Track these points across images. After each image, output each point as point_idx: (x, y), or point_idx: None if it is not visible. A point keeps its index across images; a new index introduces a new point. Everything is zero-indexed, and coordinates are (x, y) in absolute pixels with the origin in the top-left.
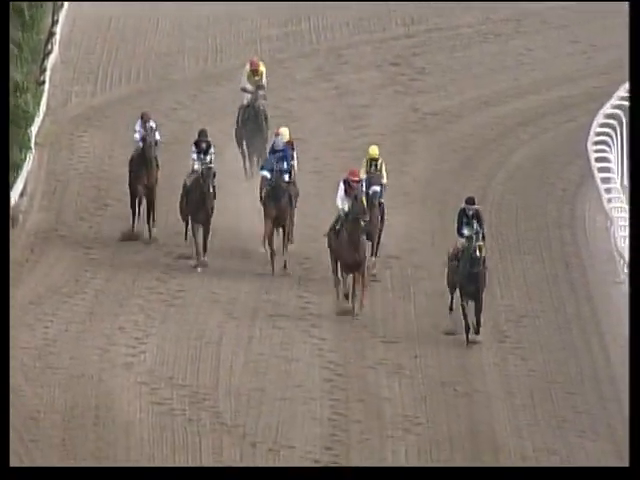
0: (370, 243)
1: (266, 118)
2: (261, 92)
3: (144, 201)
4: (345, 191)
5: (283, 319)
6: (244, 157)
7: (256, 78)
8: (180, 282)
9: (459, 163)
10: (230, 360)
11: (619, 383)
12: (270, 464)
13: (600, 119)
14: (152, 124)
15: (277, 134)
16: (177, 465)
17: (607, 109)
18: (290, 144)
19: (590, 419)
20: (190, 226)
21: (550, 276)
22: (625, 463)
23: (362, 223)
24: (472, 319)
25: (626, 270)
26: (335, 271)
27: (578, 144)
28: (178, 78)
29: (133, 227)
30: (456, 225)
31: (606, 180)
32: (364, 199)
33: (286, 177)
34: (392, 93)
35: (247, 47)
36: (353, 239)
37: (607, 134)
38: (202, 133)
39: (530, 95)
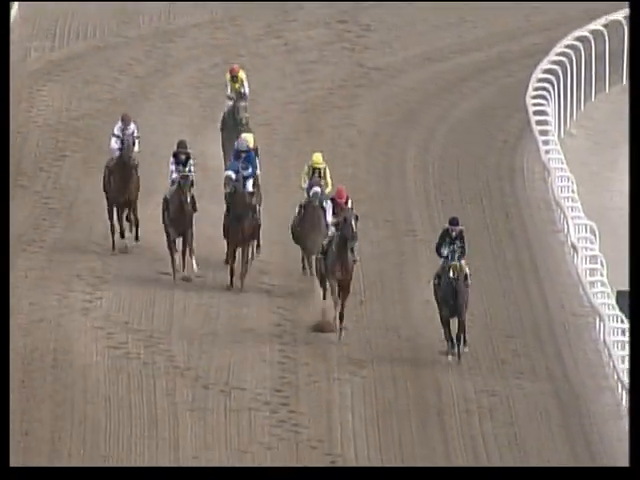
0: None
1: (247, 125)
2: (242, 103)
3: (123, 213)
4: (333, 211)
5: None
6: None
7: (236, 85)
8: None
9: (403, 116)
10: (184, 304)
11: (556, 327)
12: (222, 406)
13: (538, 74)
14: (132, 127)
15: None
16: (132, 404)
17: (545, 65)
18: (254, 150)
19: (529, 361)
20: (171, 239)
21: (490, 225)
22: (561, 403)
23: (350, 245)
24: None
25: (563, 219)
26: (329, 288)
27: (517, 98)
28: (133, 35)
29: (113, 244)
30: (436, 243)
31: (544, 132)
32: (353, 222)
33: (249, 185)
34: (339, 49)
35: (199, 5)
36: (341, 260)
37: (544, 89)
38: (181, 144)
39: (472, 51)
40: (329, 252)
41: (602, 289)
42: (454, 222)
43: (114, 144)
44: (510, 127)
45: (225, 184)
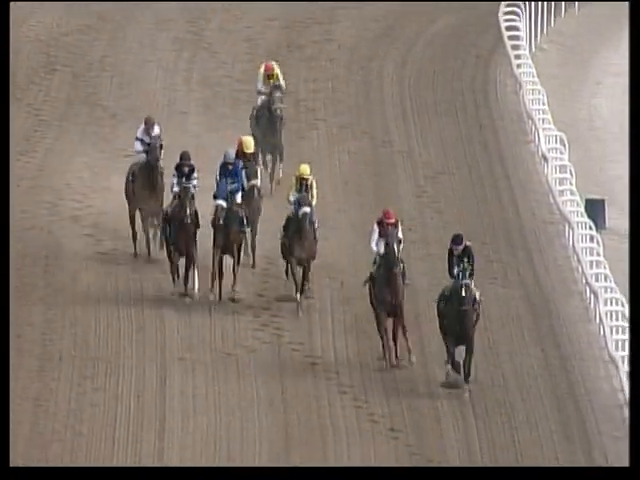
0: (301, 270)
1: (281, 119)
2: (277, 94)
3: (147, 220)
4: (379, 233)
5: None
6: (263, 161)
7: (271, 81)
8: (124, 141)
9: (382, 32)
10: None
11: (528, 234)
12: (206, 310)
13: None
14: (157, 130)
15: (240, 143)
16: (120, 308)
17: None
18: (253, 155)
19: (501, 267)
20: (172, 255)
21: (465, 136)
22: (532, 307)
23: (396, 270)
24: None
25: (534, 130)
26: (379, 322)
27: (490, 15)
28: None
29: (136, 251)
30: (447, 267)
31: (516, 47)
32: (395, 246)
33: (238, 198)
34: None
35: None
36: (389, 285)
37: (517, 5)
38: (184, 156)
39: None
40: (377, 280)
41: (571, 197)
42: (457, 241)
43: (138, 147)
44: (484, 42)
45: (217, 214)
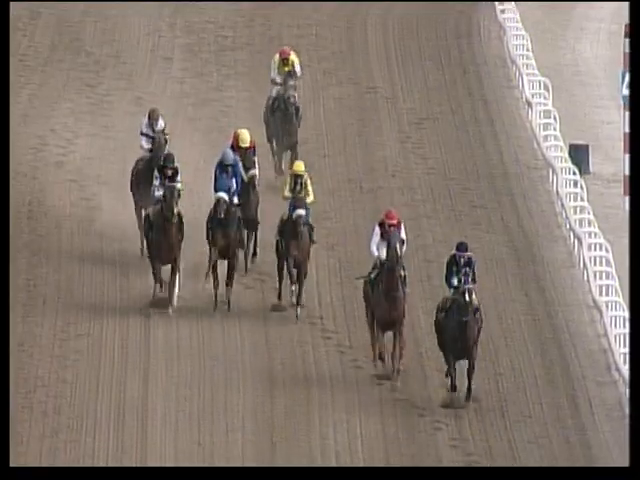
0: (296, 271)
1: (297, 110)
2: (291, 82)
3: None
4: (381, 235)
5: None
6: (273, 151)
7: (286, 68)
8: (108, 87)
9: None
10: None
11: (512, 179)
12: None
13: None
14: (161, 123)
15: (235, 137)
16: (104, 254)
17: None
18: (251, 148)
19: (485, 213)
20: (154, 260)
21: (448, 82)
22: (516, 252)
23: (399, 275)
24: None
25: (518, 75)
26: (372, 327)
27: None
28: None
29: (142, 249)
30: (444, 274)
31: None
32: (398, 247)
33: (235, 199)
34: None
35: None
36: (390, 293)
37: None
38: (168, 158)
39: None
40: (375, 287)
41: (555, 142)
42: (462, 248)
43: (144, 144)
44: None
45: (218, 208)
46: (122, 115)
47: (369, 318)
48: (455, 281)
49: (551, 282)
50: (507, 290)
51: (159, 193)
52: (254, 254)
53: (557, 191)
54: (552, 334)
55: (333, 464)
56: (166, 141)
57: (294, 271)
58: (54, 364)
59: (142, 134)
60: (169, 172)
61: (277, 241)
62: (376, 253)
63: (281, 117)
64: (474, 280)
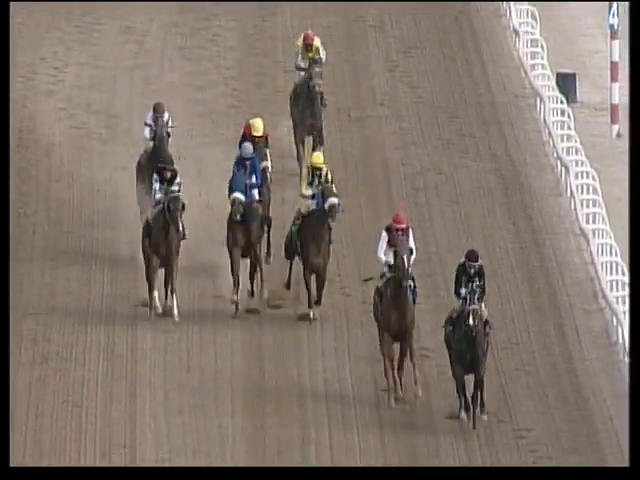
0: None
1: (322, 98)
2: (317, 69)
3: None
4: (389, 241)
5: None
6: (295, 140)
7: (309, 54)
8: (97, 16)
9: None
10: (141, 89)
11: (499, 108)
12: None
13: None
14: (166, 117)
15: (247, 126)
16: (95, 183)
17: None
18: (264, 138)
19: (473, 141)
20: (150, 265)
21: (436, 11)
22: (504, 181)
23: (406, 285)
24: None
25: (505, 4)
26: (382, 343)
27: None
28: None
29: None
30: (454, 283)
31: None
32: (406, 258)
33: (256, 194)
34: None
35: None
36: (397, 303)
37: None
38: (166, 160)
39: None
40: (384, 297)
41: (542, 71)
42: (472, 257)
43: (147, 134)
44: None
45: (233, 208)
46: (112, 44)
47: (380, 335)
48: (463, 292)
49: (538, 210)
50: (494, 218)
51: (160, 195)
52: (268, 254)
53: (544, 119)
54: (539, 262)
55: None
56: (169, 134)
57: (311, 277)
58: (44, 291)
59: (146, 124)
60: (168, 174)
61: (286, 242)
62: (383, 259)
63: (304, 103)
64: (483, 292)
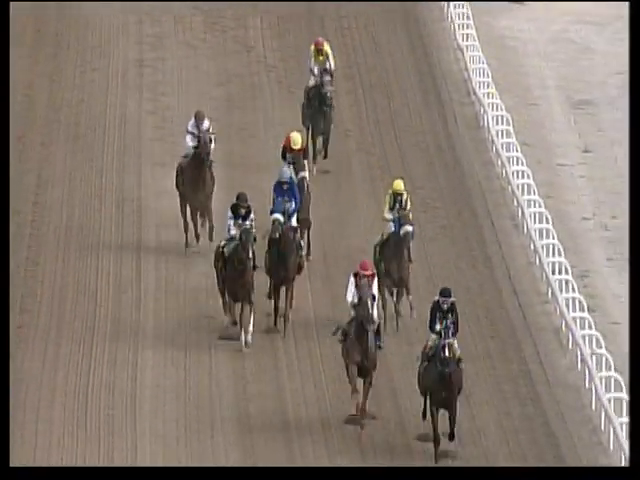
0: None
1: (332, 105)
2: (327, 78)
3: (196, 213)
4: (356, 285)
5: None
6: (307, 139)
7: (320, 58)
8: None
9: None
10: None
11: None
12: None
13: None
14: (207, 124)
15: (288, 140)
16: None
17: None
18: (302, 151)
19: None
20: (226, 297)
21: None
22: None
23: (369, 328)
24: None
25: None
26: (350, 377)
27: None
28: None
29: (187, 242)
30: (429, 319)
31: None
32: (369, 301)
33: (293, 221)
34: None
35: None
36: (360, 344)
37: None
38: (241, 197)
39: None
40: (348, 337)
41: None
42: (445, 293)
43: (189, 141)
44: None
45: (273, 229)
46: None
47: (348, 376)
48: (438, 327)
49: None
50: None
51: (234, 231)
52: (307, 254)
53: None
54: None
55: None
56: (211, 140)
57: (394, 290)
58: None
59: (188, 132)
60: (242, 211)
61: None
62: (351, 300)
63: (317, 107)
64: (456, 329)
